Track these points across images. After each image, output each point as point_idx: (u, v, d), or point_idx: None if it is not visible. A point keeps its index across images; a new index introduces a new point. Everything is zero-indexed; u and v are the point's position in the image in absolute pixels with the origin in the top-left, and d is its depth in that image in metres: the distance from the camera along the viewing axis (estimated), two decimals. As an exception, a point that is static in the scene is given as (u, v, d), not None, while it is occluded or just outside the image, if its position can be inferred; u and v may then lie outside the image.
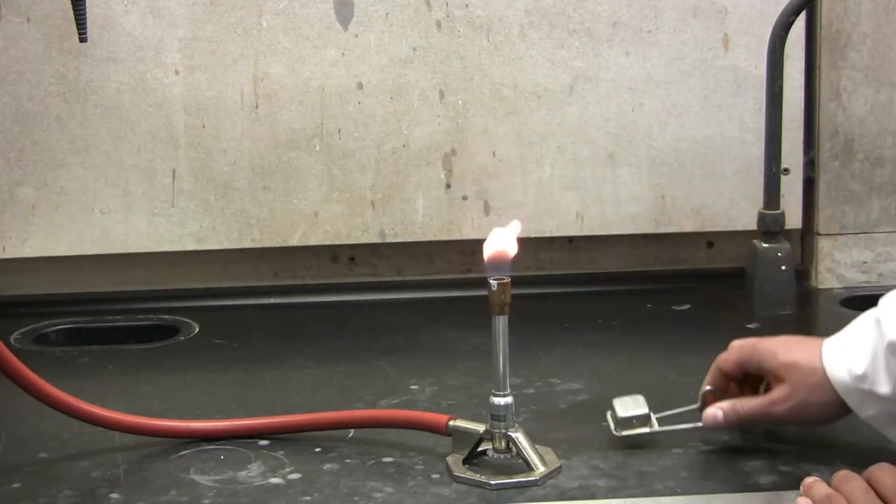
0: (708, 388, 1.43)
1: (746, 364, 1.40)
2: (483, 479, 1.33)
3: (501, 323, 1.33)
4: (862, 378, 1.29)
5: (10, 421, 1.52)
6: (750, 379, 1.42)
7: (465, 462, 1.37)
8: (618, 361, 1.71)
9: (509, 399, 1.35)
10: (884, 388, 1.28)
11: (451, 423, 1.39)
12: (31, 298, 2.00)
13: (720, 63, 1.99)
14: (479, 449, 1.38)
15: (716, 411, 1.38)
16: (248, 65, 1.95)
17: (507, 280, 1.32)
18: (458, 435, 1.39)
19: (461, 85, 1.97)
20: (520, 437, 1.35)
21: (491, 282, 1.32)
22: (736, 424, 1.38)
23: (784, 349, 1.37)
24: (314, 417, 1.48)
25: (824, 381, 1.32)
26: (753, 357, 1.39)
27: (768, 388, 1.40)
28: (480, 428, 1.37)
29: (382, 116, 1.97)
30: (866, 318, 1.33)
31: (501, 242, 1.34)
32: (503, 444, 1.35)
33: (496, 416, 1.35)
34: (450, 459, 1.37)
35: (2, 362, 1.36)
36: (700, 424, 1.41)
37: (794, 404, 1.34)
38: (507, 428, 1.35)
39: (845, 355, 1.32)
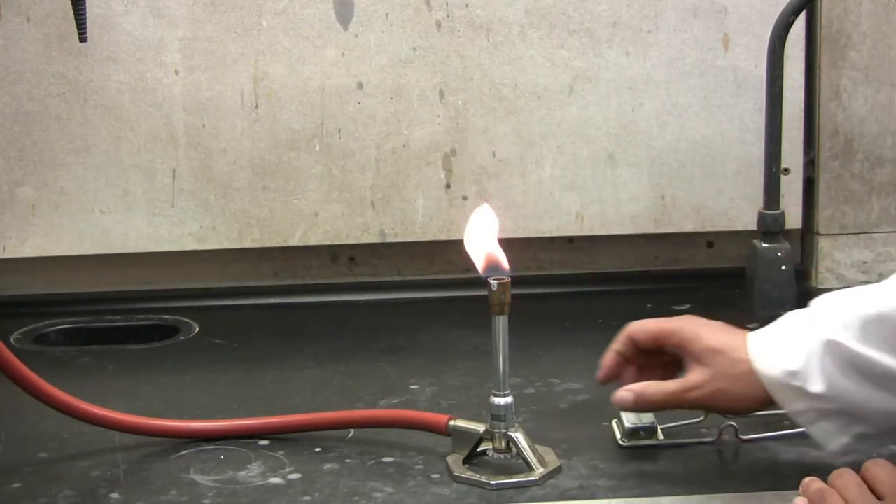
0: (614, 350, 1.41)
1: (665, 339, 1.38)
2: (483, 479, 1.33)
3: (501, 323, 1.33)
4: (794, 374, 1.28)
5: (10, 421, 1.52)
6: (652, 357, 1.40)
7: (465, 462, 1.37)
8: (618, 361, 1.71)
9: (509, 399, 1.35)
10: (816, 386, 1.27)
11: (451, 423, 1.39)
12: (31, 298, 2.00)
13: (720, 63, 1.99)
14: (479, 449, 1.38)
15: (625, 394, 1.37)
16: (248, 65, 1.95)
17: (507, 280, 1.32)
18: (458, 435, 1.39)
19: (461, 85, 1.97)
20: (520, 437, 1.35)
21: (491, 282, 1.32)
22: (645, 410, 1.37)
23: (711, 335, 1.35)
24: (314, 417, 1.48)
25: (749, 373, 1.31)
26: (676, 334, 1.37)
27: (673, 370, 1.38)
28: (480, 428, 1.37)
29: (382, 116, 1.97)
30: (798, 316, 1.32)
31: (488, 247, 1.35)
32: (503, 444, 1.35)
33: (496, 416, 1.35)
34: (450, 459, 1.37)
35: (2, 362, 1.36)
36: (708, 440, 1.40)
37: (710, 391, 1.33)
38: (507, 428, 1.35)
39: (777, 350, 1.30)
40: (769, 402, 1.31)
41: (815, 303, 1.32)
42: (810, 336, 1.29)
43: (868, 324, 1.26)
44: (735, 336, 1.35)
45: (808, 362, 1.27)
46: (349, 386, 1.64)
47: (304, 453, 1.42)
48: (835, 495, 1.16)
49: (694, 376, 1.34)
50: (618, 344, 1.42)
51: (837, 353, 1.26)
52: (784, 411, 1.31)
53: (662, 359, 1.41)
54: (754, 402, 1.32)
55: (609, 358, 1.42)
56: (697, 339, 1.35)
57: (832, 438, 1.29)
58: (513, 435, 1.35)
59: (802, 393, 1.28)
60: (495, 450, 1.36)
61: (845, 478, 1.17)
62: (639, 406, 1.36)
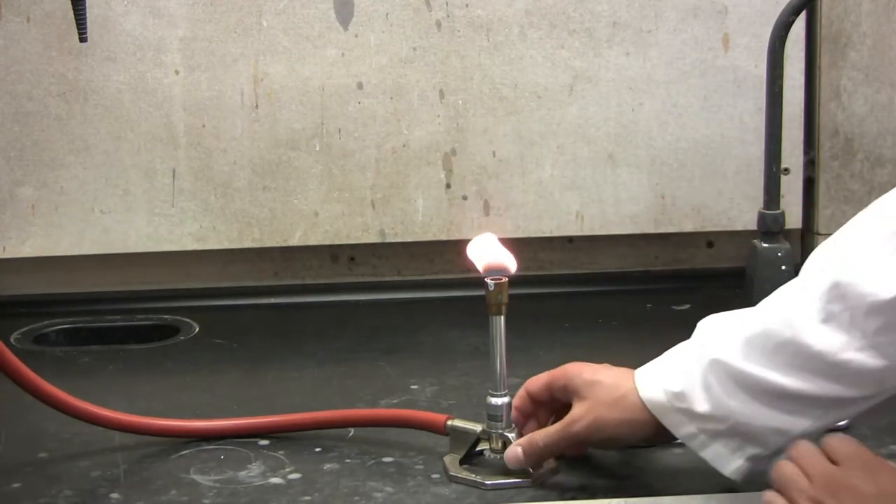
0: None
1: (554, 384, 1.36)
2: (478, 478, 1.33)
3: (499, 323, 1.33)
4: (678, 396, 1.27)
5: (10, 421, 1.52)
6: (562, 413, 1.37)
7: (462, 462, 1.37)
8: (618, 361, 1.70)
9: (506, 399, 1.35)
10: (702, 406, 1.26)
11: (449, 422, 1.39)
12: (31, 298, 2.00)
13: (720, 63, 1.99)
14: (477, 449, 1.38)
15: (515, 449, 1.34)
16: (248, 65, 1.95)
17: (504, 280, 1.32)
18: (456, 435, 1.39)
19: (461, 85, 1.97)
20: (516, 437, 1.35)
21: (488, 282, 1.32)
22: (539, 458, 1.34)
23: (592, 370, 1.34)
24: (314, 417, 1.48)
25: (628, 396, 1.29)
26: (561, 377, 1.35)
27: None
28: (478, 428, 1.37)
29: (382, 116, 1.97)
30: (682, 345, 1.31)
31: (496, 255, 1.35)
32: (500, 444, 1.35)
33: (493, 416, 1.35)
34: (447, 459, 1.37)
35: (2, 362, 1.36)
36: None
37: (591, 420, 1.30)
38: (503, 428, 1.35)
39: (661, 375, 1.29)
40: (661, 430, 1.29)
41: (700, 325, 1.31)
42: (694, 358, 1.28)
43: (751, 340, 1.24)
44: (620, 371, 1.33)
45: (692, 382, 1.26)
46: (349, 386, 1.64)
47: (304, 453, 1.42)
48: (788, 464, 1.16)
49: (575, 410, 1.32)
50: (516, 400, 1.39)
51: (721, 372, 1.25)
52: (678, 438, 1.29)
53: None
54: (641, 427, 1.30)
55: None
56: (578, 374, 1.34)
57: (726, 461, 1.27)
58: (509, 435, 1.35)
59: (690, 414, 1.26)
60: (492, 450, 1.36)
61: (801, 448, 1.17)
62: (530, 456, 1.33)
